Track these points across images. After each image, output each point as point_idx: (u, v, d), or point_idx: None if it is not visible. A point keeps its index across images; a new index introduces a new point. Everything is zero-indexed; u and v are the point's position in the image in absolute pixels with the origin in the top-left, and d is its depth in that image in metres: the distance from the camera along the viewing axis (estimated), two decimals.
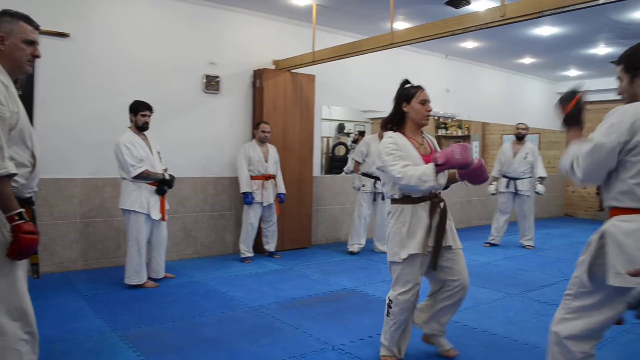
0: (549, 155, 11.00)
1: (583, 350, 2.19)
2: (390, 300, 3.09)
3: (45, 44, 5.02)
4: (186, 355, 3.29)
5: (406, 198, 3.01)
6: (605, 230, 2.10)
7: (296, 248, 6.85)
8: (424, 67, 8.60)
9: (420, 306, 3.28)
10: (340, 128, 10.83)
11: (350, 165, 6.98)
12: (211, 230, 6.39)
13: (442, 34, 4.80)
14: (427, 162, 2.94)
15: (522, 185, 7.19)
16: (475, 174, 3.02)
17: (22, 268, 2.15)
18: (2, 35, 2.17)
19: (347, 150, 10.27)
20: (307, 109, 6.92)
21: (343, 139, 10.63)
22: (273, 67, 6.72)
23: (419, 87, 3.09)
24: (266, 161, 6.05)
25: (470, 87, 9.42)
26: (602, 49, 8.03)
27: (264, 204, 6.06)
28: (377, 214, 6.67)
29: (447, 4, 5.96)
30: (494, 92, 9.99)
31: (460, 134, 12.40)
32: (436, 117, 8.86)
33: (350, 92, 7.72)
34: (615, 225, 2.07)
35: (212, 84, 6.28)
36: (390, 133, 3.09)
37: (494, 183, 7.32)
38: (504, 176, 7.30)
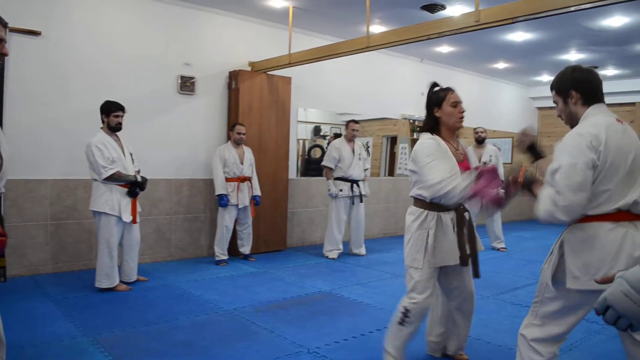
0: (522, 159, 11.16)
1: (549, 351, 2.32)
2: (406, 309, 2.91)
3: (15, 42, 4.95)
4: None
5: (434, 204, 2.88)
6: (564, 238, 2.24)
7: (271, 251, 6.82)
8: (399, 71, 8.66)
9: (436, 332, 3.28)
10: (317, 130, 10.83)
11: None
12: (185, 232, 6.33)
13: (417, 38, 4.83)
14: (460, 168, 2.82)
15: None
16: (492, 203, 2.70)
17: None
18: None
19: (323, 153, 10.26)
20: (283, 111, 6.91)
21: (319, 141, 10.63)
22: (249, 68, 6.69)
23: (448, 89, 2.95)
24: (242, 163, 6.02)
25: None
26: (573, 55, 8.19)
27: (240, 206, 6.02)
28: (353, 218, 6.68)
29: (423, 8, 6.02)
30: (469, 96, 9.97)
31: None
32: (411, 121, 8.93)
33: (327, 95, 7.73)
34: (572, 232, 2.20)
35: (187, 84, 6.22)
36: (428, 135, 2.93)
37: None
38: None
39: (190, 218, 6.35)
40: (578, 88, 2.24)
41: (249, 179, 6.10)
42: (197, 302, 4.52)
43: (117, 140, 4.82)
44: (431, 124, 2.96)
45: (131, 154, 4.91)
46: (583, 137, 2.11)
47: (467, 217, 2.96)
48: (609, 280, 1.39)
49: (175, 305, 4.39)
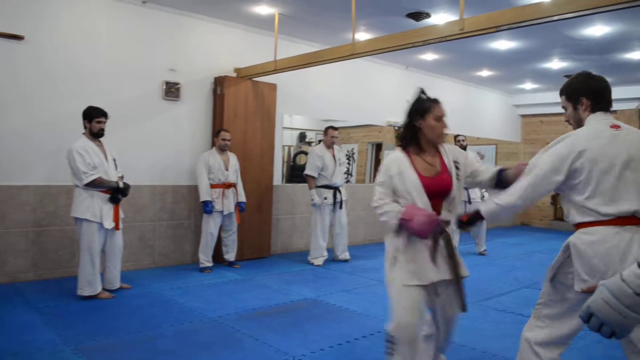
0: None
1: (551, 356, 2.34)
2: (390, 335, 2.69)
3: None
4: None
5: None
6: (570, 242, 2.26)
7: (256, 257, 6.79)
8: (384, 78, 8.70)
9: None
10: (302, 137, 10.82)
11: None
12: (169, 239, 6.27)
13: (402, 46, 4.86)
14: (429, 184, 2.62)
15: (473, 194, 7.35)
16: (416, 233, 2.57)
17: None
18: None
19: None
20: (268, 117, 6.90)
21: (305, 147, 10.62)
22: (234, 74, 6.67)
23: (434, 101, 2.69)
24: (227, 169, 5.99)
25: None
26: (556, 64, 8.30)
27: (225, 213, 5.99)
28: (337, 224, 6.69)
29: (408, 16, 6.06)
30: (453, 104, 10.08)
31: None
32: (396, 128, 8.97)
33: (312, 102, 7.74)
34: (578, 237, 2.24)
35: (172, 90, 6.19)
36: (393, 154, 2.76)
37: None
38: None
39: (174, 225, 6.30)
40: (590, 96, 2.29)
41: (234, 185, 6.07)
42: (181, 309, 4.48)
43: (100, 145, 4.77)
44: (409, 135, 2.72)
45: (114, 160, 4.86)
46: (561, 144, 2.25)
47: (445, 238, 2.65)
48: (594, 289, 1.40)
49: (158, 313, 4.34)
